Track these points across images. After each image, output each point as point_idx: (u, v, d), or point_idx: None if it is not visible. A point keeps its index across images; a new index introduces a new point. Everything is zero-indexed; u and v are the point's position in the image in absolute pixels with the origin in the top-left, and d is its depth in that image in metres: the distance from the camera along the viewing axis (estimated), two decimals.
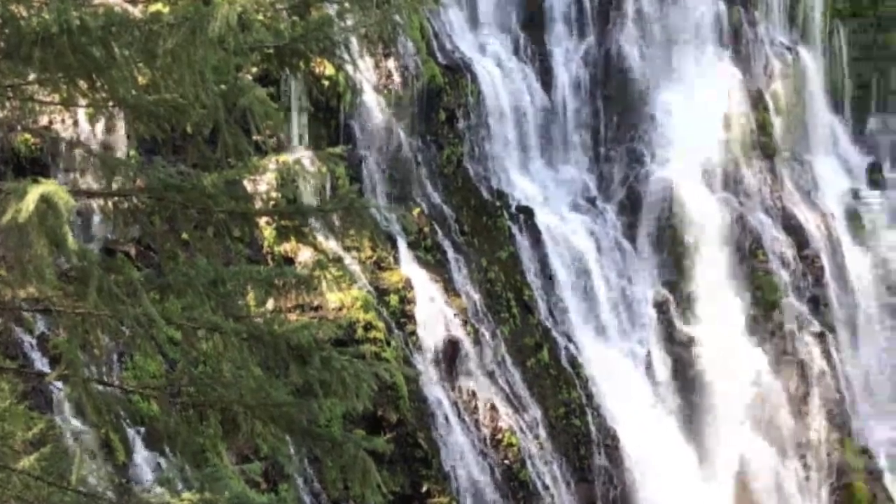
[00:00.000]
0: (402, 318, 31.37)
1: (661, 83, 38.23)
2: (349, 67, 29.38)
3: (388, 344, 30.31)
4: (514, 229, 34.62)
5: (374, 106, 32.15)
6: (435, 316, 31.78)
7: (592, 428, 34.08)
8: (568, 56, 37.53)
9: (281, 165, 29.78)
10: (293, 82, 29.59)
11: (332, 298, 29.69)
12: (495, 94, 35.44)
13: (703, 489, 36.04)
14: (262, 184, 17.13)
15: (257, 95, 15.24)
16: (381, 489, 28.41)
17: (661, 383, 36.21)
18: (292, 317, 29.36)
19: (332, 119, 31.48)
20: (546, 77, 37.04)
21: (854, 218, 41.05)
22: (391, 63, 32.37)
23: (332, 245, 29.95)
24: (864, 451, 38.11)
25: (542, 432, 33.09)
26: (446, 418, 31.39)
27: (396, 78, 32.54)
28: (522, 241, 34.79)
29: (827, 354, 37.98)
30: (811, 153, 41.04)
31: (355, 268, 30.72)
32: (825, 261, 39.16)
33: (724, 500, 36.46)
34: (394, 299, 31.24)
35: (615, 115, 37.86)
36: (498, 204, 34.69)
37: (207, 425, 16.48)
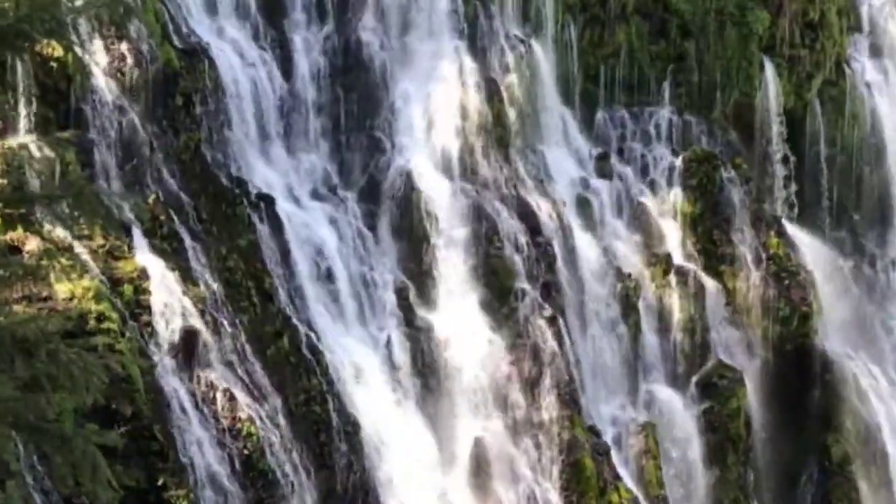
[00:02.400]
0: (138, 308, 28.11)
1: (400, 73, 35.55)
2: (78, 49, 26.51)
3: (123, 335, 27.18)
4: (254, 217, 31.45)
5: (107, 90, 28.80)
6: (172, 306, 28.77)
7: (333, 415, 31.59)
8: (308, 44, 34.59)
9: (6, 151, 26.56)
10: (19, 64, 26.32)
11: (62, 289, 26.47)
12: (234, 79, 32.27)
13: (442, 472, 34.22)
14: None
15: None
16: (112, 484, 25.63)
17: (400, 368, 33.83)
18: (18, 308, 26.17)
19: (61, 103, 27.97)
20: (286, 64, 34.04)
21: (584, 206, 39.17)
22: (124, 46, 28.93)
23: (61, 233, 27.07)
24: (592, 430, 36.62)
25: (283, 421, 30.48)
26: (183, 410, 28.53)
27: (130, 61, 29.08)
28: (263, 229, 31.74)
29: (558, 337, 36.09)
30: (544, 143, 38.97)
31: (87, 257, 27.37)
32: (557, 247, 37.18)
33: (461, 482, 34.60)
34: (128, 289, 28.00)
35: (355, 104, 34.96)
36: (237, 191, 31.46)
37: None
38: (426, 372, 34.54)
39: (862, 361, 43.45)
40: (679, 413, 39.52)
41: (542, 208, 37.54)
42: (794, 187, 43.59)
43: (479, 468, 34.60)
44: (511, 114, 37.46)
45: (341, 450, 31.63)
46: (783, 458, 41.92)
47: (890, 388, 44.08)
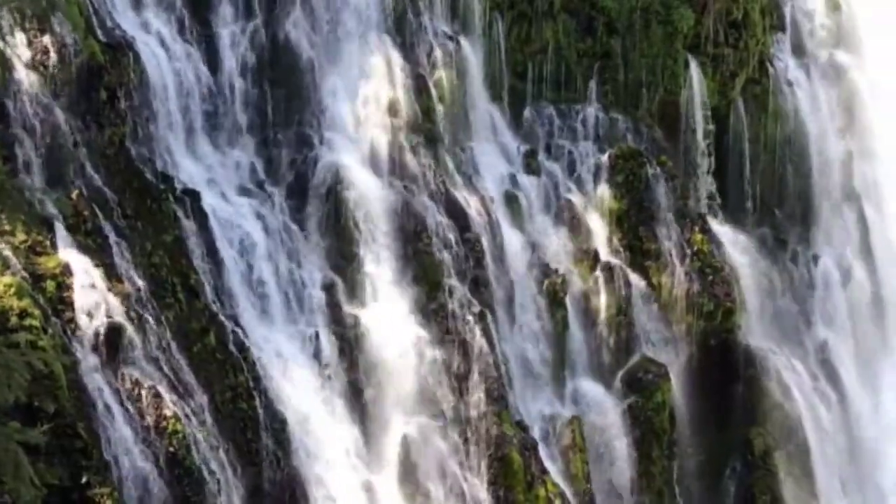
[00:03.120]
0: (61, 304, 27.00)
1: (329, 68, 34.66)
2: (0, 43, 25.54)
3: (45, 332, 26.09)
4: (180, 213, 30.40)
5: (29, 84, 27.59)
6: (96, 302, 27.74)
7: (260, 412, 30.69)
8: (235, 39, 33.54)
9: None
10: None
11: None
12: (160, 74, 31.23)
13: (369, 468, 33.49)
14: None
15: None
16: (34, 482, 24.75)
17: (328, 365, 32.98)
18: None
19: None
20: (212, 59, 32.91)
21: (512, 202, 38.63)
22: (47, 39, 27.82)
23: None
24: (520, 425, 36.01)
25: (209, 418, 29.52)
26: (108, 407, 27.55)
27: (53, 55, 27.98)
28: (188, 225, 30.69)
29: (486, 333, 35.40)
30: (472, 140, 38.34)
31: (8, 253, 26.25)
32: (485, 243, 36.47)
33: (389, 478, 33.85)
34: (51, 285, 26.90)
35: (283, 99, 33.96)
36: (163, 187, 30.41)
37: None
38: (354, 368, 33.74)
39: (784, 356, 43.32)
40: (605, 407, 39.12)
41: (471, 205, 36.89)
42: (718, 184, 43.37)
43: (407, 464, 33.88)
44: (440, 110, 36.80)
45: (268, 446, 30.82)
46: (707, 450, 41.65)
47: (811, 382, 43.98)
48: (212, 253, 31.34)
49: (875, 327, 46.77)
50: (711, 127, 42.97)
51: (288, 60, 34.19)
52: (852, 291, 46.15)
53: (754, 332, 42.65)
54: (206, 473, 28.81)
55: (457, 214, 36.19)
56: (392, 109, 35.35)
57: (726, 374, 41.77)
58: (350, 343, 33.81)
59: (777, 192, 44.78)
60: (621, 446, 39.09)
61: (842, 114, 46.45)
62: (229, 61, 33.35)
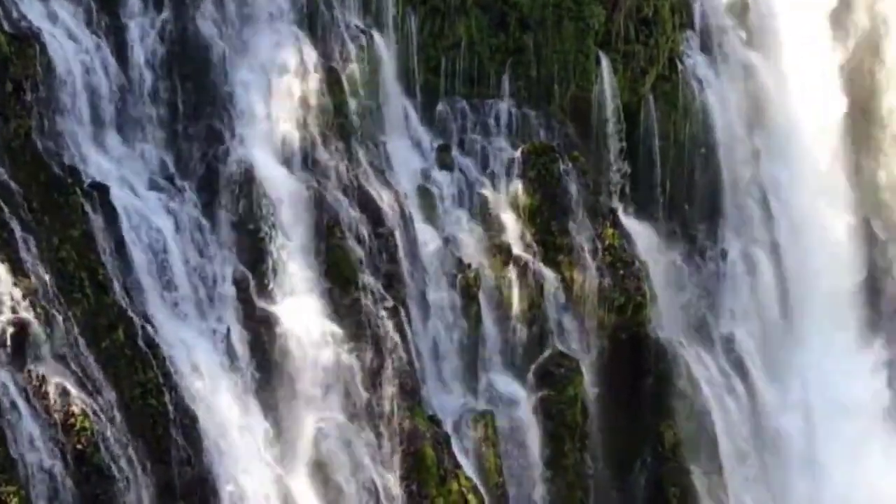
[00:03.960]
0: None
1: (240, 62, 33.67)
2: None
3: None
4: (88, 207, 29.22)
5: None
6: (1, 298, 26.85)
7: (170, 408, 29.67)
8: (144, 31, 32.48)
9: None
10: None
11: None
12: (67, 66, 30.03)
13: (282, 464, 32.70)
14: None
15: None
16: None
17: (239, 361, 32.15)
18: None
19: None
20: (121, 51, 31.80)
21: (425, 197, 38.06)
22: None
23: None
24: (433, 419, 35.52)
25: (118, 414, 28.54)
26: (14, 404, 26.48)
27: None
28: (96, 219, 29.55)
29: (399, 328, 34.76)
30: (385, 134, 37.61)
31: None
32: (398, 238, 35.80)
33: (301, 474, 33.09)
34: None
35: (193, 93, 32.87)
36: (70, 180, 29.21)
37: None
38: (266, 364, 32.90)
39: (693, 349, 43.31)
40: (517, 401, 38.75)
41: (384, 199, 36.22)
42: (629, 180, 43.15)
43: (319, 459, 33.18)
44: (352, 104, 36.04)
45: (178, 443, 29.91)
46: (618, 443, 41.44)
47: (719, 375, 43.99)
48: (120, 248, 30.34)
49: (781, 320, 46.87)
50: (622, 123, 42.67)
51: (198, 53, 33.22)
52: (759, 285, 46.18)
53: (664, 325, 42.54)
54: (115, 471, 27.95)
55: (370, 209, 35.51)
56: (304, 103, 34.54)
57: (637, 367, 41.60)
58: (262, 338, 33.01)
59: (686, 187, 44.63)
60: (533, 440, 38.75)
61: (749, 111, 46.37)
62: (138, 54, 32.31)
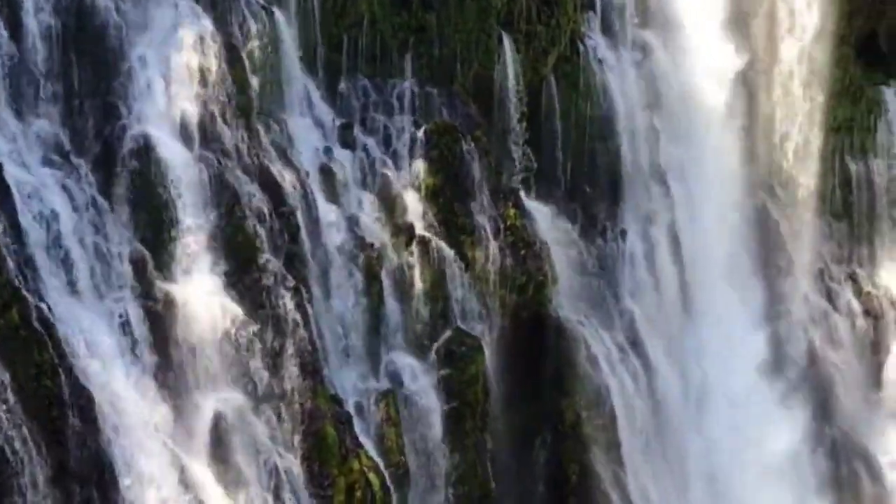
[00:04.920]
0: None
1: (137, 37, 32.28)
2: None
3: None
4: None
5: None
6: None
7: (65, 389, 28.53)
8: (38, 4, 31.05)
9: None
10: None
11: None
12: None
13: (180, 446, 31.71)
14: None
15: None
16: None
17: (137, 341, 30.94)
18: None
19: None
20: (14, 24, 30.29)
21: (327, 176, 37.01)
22: None
23: None
24: (335, 399, 34.78)
25: (11, 396, 27.39)
26: None
27: None
28: None
29: (301, 308, 33.86)
30: (286, 112, 36.57)
31: None
32: (300, 218, 34.85)
33: (201, 455, 32.01)
34: None
35: (90, 68, 31.55)
36: None
37: None
38: (164, 344, 31.80)
39: (593, 328, 42.99)
40: (419, 380, 38.15)
41: (286, 178, 35.23)
42: (531, 160, 42.65)
43: (220, 441, 32.17)
44: (253, 82, 34.94)
45: (74, 425, 28.81)
46: (519, 422, 41.02)
47: (619, 354, 43.78)
48: (14, 226, 29.01)
49: (679, 299, 46.74)
50: (525, 103, 42.15)
51: (94, 27, 31.86)
52: (657, 264, 46.02)
53: (565, 305, 42.15)
54: (8, 453, 27.01)
55: (271, 188, 34.50)
56: (203, 80, 33.38)
57: (538, 346, 41.21)
58: (160, 319, 31.90)
59: (588, 168, 44.24)
60: (435, 418, 38.16)
61: (649, 93, 46.08)
62: (31, 27, 30.82)
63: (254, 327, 33.10)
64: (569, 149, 43.66)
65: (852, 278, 51.12)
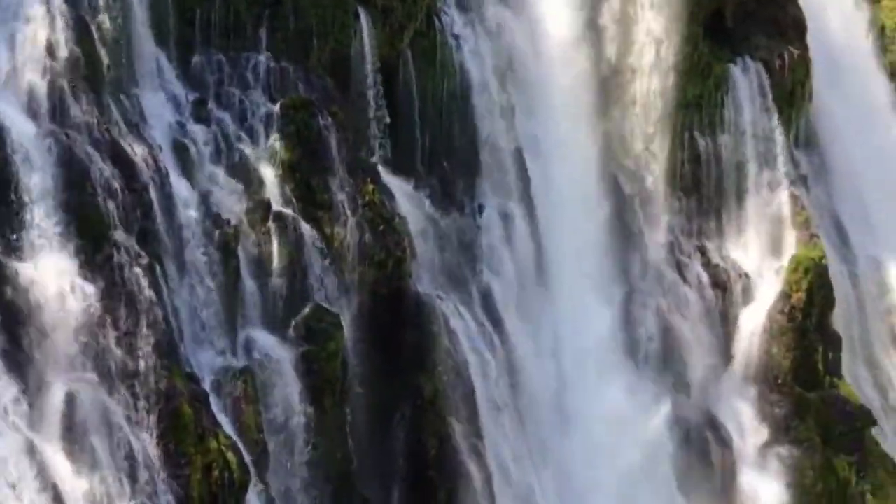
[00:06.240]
0: None
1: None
2: None
3: None
4: None
5: None
6: None
7: None
8: None
9: None
10: None
11: None
12: None
13: (32, 427, 30.23)
14: None
15: None
16: None
17: None
18: None
19: None
20: None
21: (181, 152, 35.68)
22: None
23: None
24: (191, 377, 33.57)
25: None
26: None
27: None
28: None
29: (155, 286, 32.54)
30: (139, 87, 35.21)
31: None
32: (153, 194, 33.46)
33: (53, 437, 30.51)
34: None
35: None
36: None
37: None
38: (14, 324, 30.40)
39: (452, 303, 42.42)
40: (278, 357, 37.04)
41: (138, 153, 33.83)
42: (389, 136, 41.75)
43: (73, 422, 30.76)
44: (103, 55, 33.52)
45: None
46: (379, 397, 40.22)
47: (477, 327, 43.29)
48: None
49: (535, 272, 46.39)
50: (381, 80, 41.21)
51: None
52: (514, 239, 45.62)
53: (424, 280, 41.48)
54: None
55: (122, 163, 33.08)
56: (51, 54, 31.88)
57: (397, 321, 40.43)
58: (10, 297, 30.46)
59: (445, 143, 43.55)
60: (294, 395, 37.14)
61: (504, 68, 45.51)
62: None
63: (106, 305, 31.70)
64: (426, 124, 42.90)
65: (701, 251, 51.23)
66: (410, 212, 41.52)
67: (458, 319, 42.23)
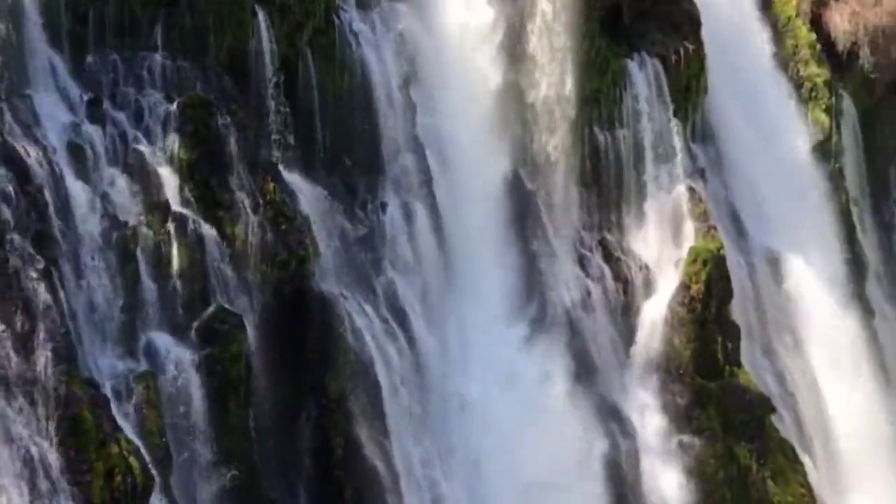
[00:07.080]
0: None
1: None
2: None
3: None
4: None
5: None
6: None
7: None
8: None
9: None
10: None
11: None
12: None
13: None
14: None
15: None
16: None
17: None
18: None
19: None
20: None
21: (76, 153, 34.57)
22: None
23: None
24: (91, 382, 32.64)
25: None
26: None
27: None
28: None
29: (52, 289, 31.50)
30: (31, 87, 34.12)
31: None
32: (48, 196, 32.46)
33: None
34: None
35: None
36: None
37: None
38: None
39: (356, 301, 41.76)
40: (179, 360, 36.10)
41: (31, 155, 32.74)
42: (290, 134, 40.91)
43: None
44: None
45: None
46: (284, 398, 39.47)
47: (383, 326, 42.68)
48: None
49: (441, 270, 45.91)
50: (282, 78, 40.36)
51: None
52: (417, 236, 45.07)
53: (328, 279, 40.75)
54: None
55: (15, 165, 32.00)
56: None
57: (301, 321, 39.70)
58: None
59: (347, 141, 42.79)
60: (197, 398, 36.24)
61: (406, 66, 44.87)
62: None
63: (1, 310, 30.59)
64: (327, 122, 42.10)
65: (602, 245, 51.08)
66: (313, 210, 40.75)
67: (362, 318, 41.59)
